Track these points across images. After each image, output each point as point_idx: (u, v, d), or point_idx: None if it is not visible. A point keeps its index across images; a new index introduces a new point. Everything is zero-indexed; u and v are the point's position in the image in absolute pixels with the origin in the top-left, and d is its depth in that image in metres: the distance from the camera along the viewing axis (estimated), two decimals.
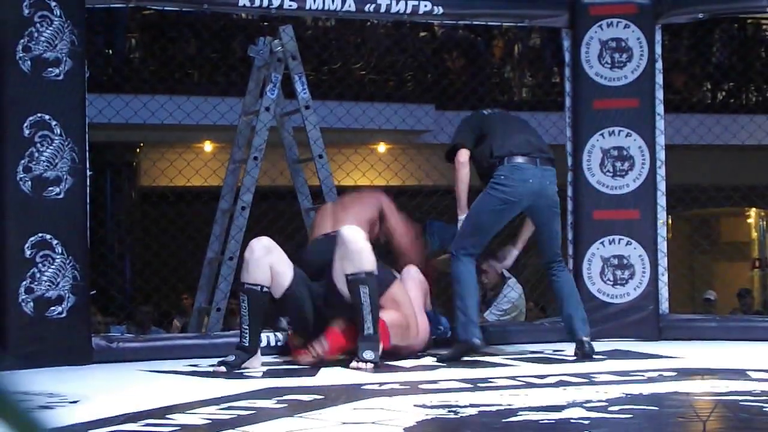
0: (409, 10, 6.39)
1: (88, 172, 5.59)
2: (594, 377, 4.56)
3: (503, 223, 5.60)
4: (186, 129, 9.65)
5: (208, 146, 10.86)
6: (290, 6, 6.18)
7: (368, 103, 9.96)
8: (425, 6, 6.43)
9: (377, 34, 10.85)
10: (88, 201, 5.59)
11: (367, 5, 6.34)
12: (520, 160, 5.48)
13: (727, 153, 10.39)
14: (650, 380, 4.46)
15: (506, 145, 5.52)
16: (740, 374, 4.56)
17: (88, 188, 5.59)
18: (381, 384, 4.51)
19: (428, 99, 10.76)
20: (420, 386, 4.41)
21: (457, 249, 5.54)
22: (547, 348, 5.95)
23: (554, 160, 5.71)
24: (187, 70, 10.15)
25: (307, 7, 6.24)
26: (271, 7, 6.15)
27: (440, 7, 6.48)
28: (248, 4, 6.13)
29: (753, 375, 4.50)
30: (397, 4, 6.37)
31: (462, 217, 5.58)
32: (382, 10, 6.36)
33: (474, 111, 6.01)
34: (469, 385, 4.39)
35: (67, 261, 5.39)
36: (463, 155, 5.60)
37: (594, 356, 5.36)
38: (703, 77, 11.87)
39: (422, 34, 11.02)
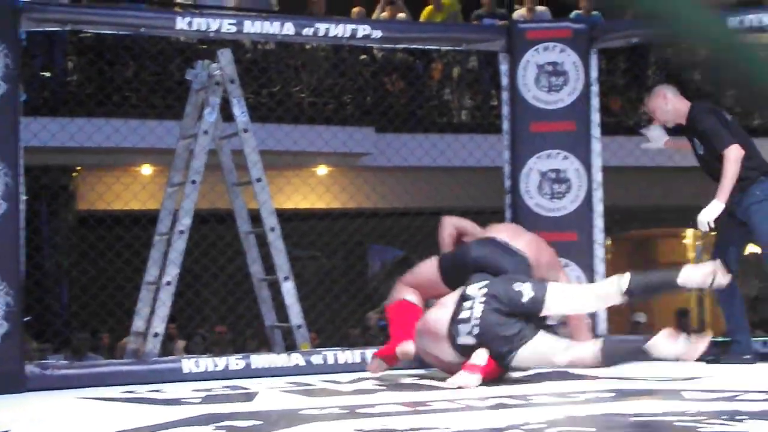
0: (347, 34, 6.41)
1: (23, 197, 5.53)
2: (532, 399, 4.58)
3: None
4: (124, 152, 9.57)
5: (146, 169, 10.78)
6: (229, 29, 6.18)
7: (308, 126, 9.96)
8: (364, 29, 6.46)
9: (316, 58, 10.85)
10: (22, 226, 5.52)
11: (306, 29, 6.35)
12: None
13: (664, 174, 10.49)
14: (588, 401, 4.48)
15: (763, 160, 5.84)
16: (675, 394, 4.60)
17: (22, 213, 5.52)
18: (320, 408, 4.49)
19: (368, 122, 10.77)
20: (358, 410, 4.40)
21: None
22: None
23: None
24: (125, 93, 10.07)
25: (246, 31, 6.24)
26: (209, 30, 6.14)
27: (379, 31, 6.51)
28: (186, 27, 6.11)
29: (687, 395, 4.54)
30: (336, 27, 6.38)
31: (719, 203, 5.69)
32: (321, 33, 6.37)
33: (711, 106, 6.02)
34: (408, 409, 4.38)
35: (0, 287, 5.32)
36: (738, 152, 5.71)
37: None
38: (639, 100, 12.00)
39: (361, 57, 11.04)
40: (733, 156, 5.67)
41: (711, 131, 5.77)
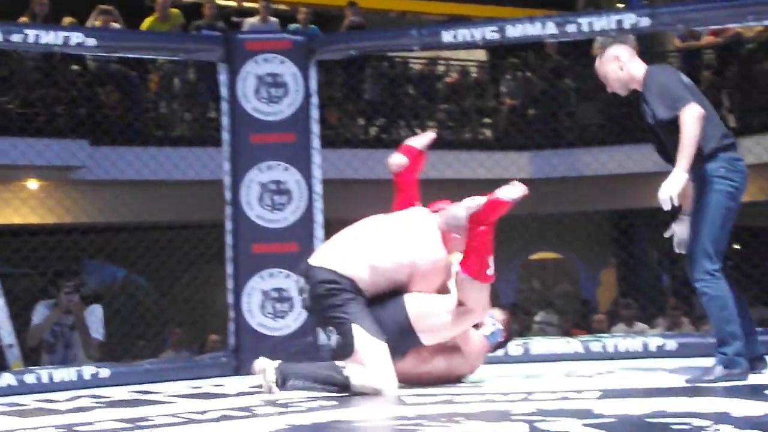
0: (60, 42, 6.20)
1: None
2: (255, 410, 4.55)
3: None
4: None
5: None
6: None
7: (18, 138, 9.58)
8: (77, 38, 6.26)
9: (26, 66, 10.44)
10: None
11: (15, 35, 6.09)
12: (733, 149, 4.92)
13: (377, 187, 10.74)
14: (311, 410, 4.50)
15: (719, 135, 4.90)
16: (396, 399, 4.69)
17: None
18: (35, 429, 4.32)
19: (82, 134, 10.45)
20: (75, 429, 4.25)
21: (700, 269, 4.84)
22: (207, 383, 5.90)
23: None
24: None
25: None
26: None
27: (93, 39, 6.32)
28: None
29: (407, 399, 4.64)
30: (47, 34, 6.16)
31: (680, 173, 4.72)
32: (31, 40, 6.12)
33: (663, 66, 5.32)
34: (128, 425, 4.27)
35: None
36: (695, 109, 4.77)
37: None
38: (357, 113, 12.24)
39: (74, 67, 10.70)
40: (693, 115, 4.78)
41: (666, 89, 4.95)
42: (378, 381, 4.91)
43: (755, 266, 7.66)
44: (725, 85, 12.00)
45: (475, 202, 5.10)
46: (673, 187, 4.72)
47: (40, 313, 7.08)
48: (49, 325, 6.98)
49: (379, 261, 5.10)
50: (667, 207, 4.74)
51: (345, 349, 4.95)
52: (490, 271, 5.03)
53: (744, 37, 11.82)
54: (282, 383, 4.95)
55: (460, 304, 5.09)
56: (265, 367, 5.00)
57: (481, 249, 5.02)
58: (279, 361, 5.02)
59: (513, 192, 5.00)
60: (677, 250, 5.12)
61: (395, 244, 5.16)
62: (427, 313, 5.09)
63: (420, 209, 5.40)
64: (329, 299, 4.99)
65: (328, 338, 5.03)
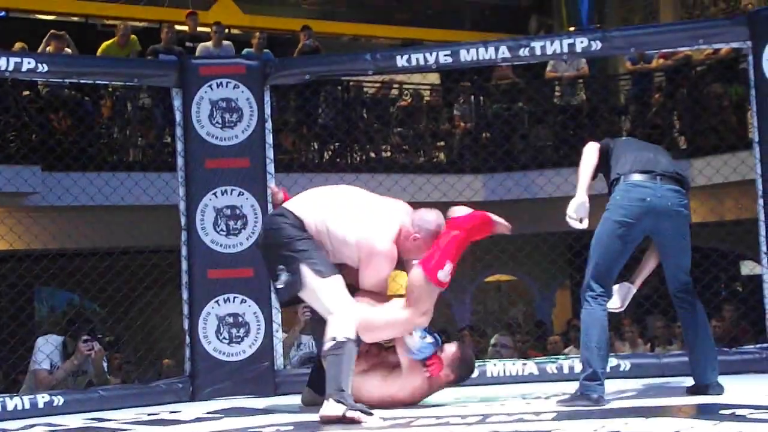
0: (11, 68, 6.16)
1: None
2: None
3: (628, 252, 5.08)
4: None
5: None
6: None
7: None
8: (29, 63, 6.23)
9: None
10: None
11: None
12: (637, 177, 5.05)
13: None
14: None
15: (627, 164, 5.12)
16: (357, 425, 4.69)
17: None
18: None
19: (35, 160, 10.37)
20: None
21: (583, 292, 5.05)
22: (163, 410, 5.86)
23: (687, 182, 5.20)
24: None
25: None
26: None
27: (45, 65, 6.29)
28: None
29: (366, 423, 4.64)
30: None
31: (576, 195, 5.14)
32: None
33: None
34: None
35: None
36: (591, 144, 5.25)
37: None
38: (311, 137, 12.24)
39: (25, 92, 10.62)
40: (584, 148, 5.28)
41: None
42: (345, 318, 4.94)
43: (705, 287, 7.73)
44: (676, 107, 12.14)
45: (462, 210, 5.24)
46: (569, 208, 5.15)
47: (45, 352, 6.79)
48: (67, 374, 6.76)
49: (333, 226, 5.19)
50: (575, 226, 5.17)
51: (294, 286, 5.02)
52: (444, 276, 5.06)
53: (694, 59, 11.96)
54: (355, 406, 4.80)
55: (406, 304, 5.15)
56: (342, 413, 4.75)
57: (445, 249, 5.08)
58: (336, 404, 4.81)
59: (500, 223, 5.31)
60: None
61: (352, 220, 5.22)
62: (371, 305, 5.17)
63: (402, 203, 5.43)
64: (279, 232, 5.11)
65: (277, 278, 5.07)
